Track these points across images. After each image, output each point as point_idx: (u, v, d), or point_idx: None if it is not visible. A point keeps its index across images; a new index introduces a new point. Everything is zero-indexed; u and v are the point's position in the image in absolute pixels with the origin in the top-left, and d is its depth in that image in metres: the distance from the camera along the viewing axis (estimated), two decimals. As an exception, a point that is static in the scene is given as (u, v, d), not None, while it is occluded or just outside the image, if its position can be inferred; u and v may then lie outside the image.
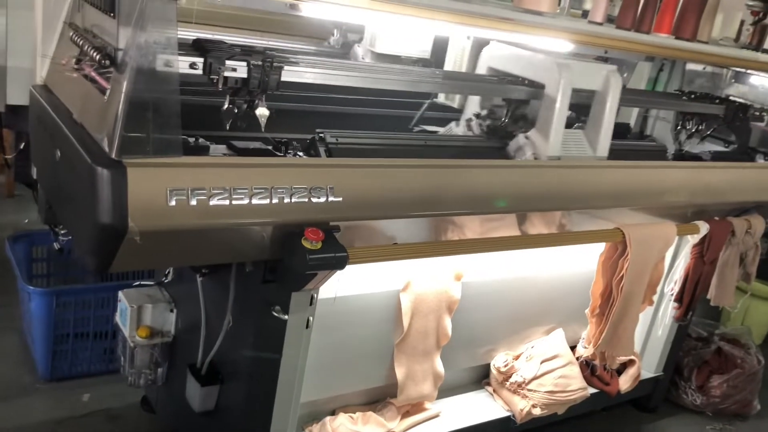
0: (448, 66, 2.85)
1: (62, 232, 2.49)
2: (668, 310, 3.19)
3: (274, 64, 1.85)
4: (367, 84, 2.16)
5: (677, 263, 3.07)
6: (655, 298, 3.05)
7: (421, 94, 2.58)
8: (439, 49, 2.90)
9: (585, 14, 2.93)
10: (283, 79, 1.89)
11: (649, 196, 2.66)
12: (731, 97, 3.37)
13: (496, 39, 2.64)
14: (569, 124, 2.55)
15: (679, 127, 3.31)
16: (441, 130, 2.76)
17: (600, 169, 2.49)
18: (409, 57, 2.75)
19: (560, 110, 2.36)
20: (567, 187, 2.38)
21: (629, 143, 3.14)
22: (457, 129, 2.72)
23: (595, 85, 2.50)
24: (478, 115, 2.63)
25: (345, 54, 2.85)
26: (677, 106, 3.17)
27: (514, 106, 2.56)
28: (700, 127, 3.26)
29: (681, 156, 3.23)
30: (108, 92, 1.69)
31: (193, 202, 1.62)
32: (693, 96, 3.24)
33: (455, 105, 2.83)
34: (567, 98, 2.36)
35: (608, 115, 2.51)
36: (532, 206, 2.37)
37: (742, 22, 3.90)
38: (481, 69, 2.68)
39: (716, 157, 3.18)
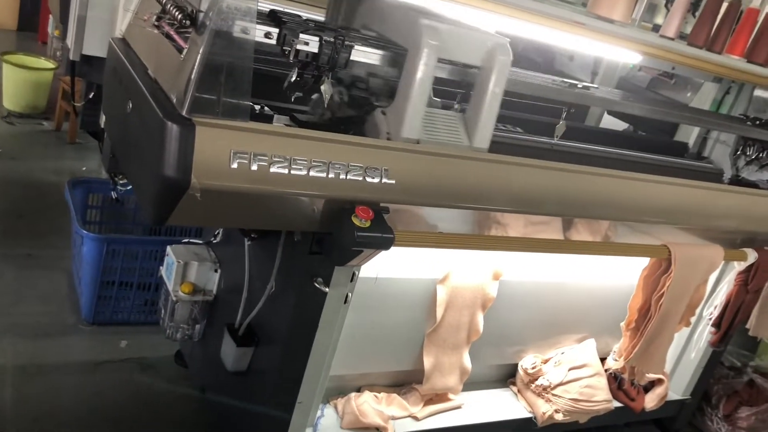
0: None
1: (121, 182, 2.59)
2: (704, 334, 3.15)
3: (346, 42, 1.89)
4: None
5: (720, 288, 3.03)
6: (693, 320, 3.02)
7: None
8: None
9: (655, 28, 2.90)
10: (352, 58, 1.93)
11: (697, 217, 2.63)
12: (797, 128, 3.29)
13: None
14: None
15: (738, 152, 3.26)
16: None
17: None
18: None
19: (421, 83, 1.89)
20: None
21: (683, 162, 3.10)
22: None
23: (476, 60, 1.99)
24: (340, 81, 2.09)
25: None
26: (738, 130, 3.12)
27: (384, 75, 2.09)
28: (761, 155, 3.21)
29: (737, 182, 3.17)
30: (185, 52, 1.75)
31: (254, 167, 1.67)
32: (757, 122, 3.17)
33: None
34: (430, 69, 1.88)
35: (490, 97, 2.00)
36: (575, 212, 2.34)
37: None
38: (357, 24, 2.26)
39: (773, 186, 3.12)
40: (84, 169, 4.73)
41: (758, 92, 3.48)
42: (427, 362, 2.62)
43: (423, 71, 1.89)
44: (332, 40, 1.86)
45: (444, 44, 1.90)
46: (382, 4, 2.15)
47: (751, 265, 2.89)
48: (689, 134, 3.48)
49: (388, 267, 2.37)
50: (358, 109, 2.09)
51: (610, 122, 3.91)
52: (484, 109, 2.03)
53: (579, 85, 2.64)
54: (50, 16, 5.67)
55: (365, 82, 2.10)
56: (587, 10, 2.38)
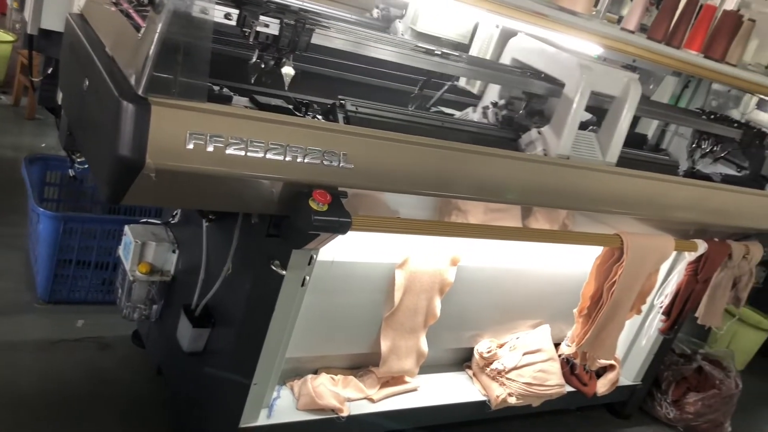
0: (474, 51, 2.87)
1: (79, 159, 2.55)
2: (655, 321, 3.24)
3: (306, 25, 1.88)
4: (390, 58, 2.20)
5: (671, 277, 3.11)
6: (644, 308, 3.11)
7: (444, 76, 2.60)
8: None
9: (621, 20, 2.94)
10: (312, 41, 1.93)
11: (652, 208, 2.69)
12: (751, 123, 3.38)
13: (524, 31, 2.65)
14: (585, 126, 2.59)
15: (694, 145, 3.34)
16: (458, 113, 2.79)
17: (606, 174, 2.49)
18: (449, 40, 2.73)
19: (576, 110, 2.37)
20: (571, 187, 2.42)
21: (642, 154, 3.16)
22: (473, 115, 2.75)
23: (615, 91, 2.51)
24: (495, 104, 2.67)
25: (385, 28, 2.81)
26: (695, 124, 3.19)
27: (532, 100, 2.59)
28: (715, 148, 3.29)
29: (692, 174, 3.25)
30: (142, 30, 1.73)
31: (210, 148, 1.66)
32: (713, 116, 3.25)
33: (475, 91, 2.85)
34: (584, 99, 2.37)
35: (623, 122, 2.51)
36: (534, 200, 2.41)
37: (776, 51, 3.88)
38: (506, 59, 2.71)
39: (726, 180, 3.21)
40: (43, 145, 4.65)
41: (716, 86, 3.57)
42: (384, 345, 2.65)
43: (578, 101, 2.37)
44: (293, 23, 1.86)
45: (594, 79, 2.38)
46: (534, 45, 2.60)
47: (701, 256, 2.97)
48: (649, 126, 3.55)
49: (348, 251, 2.39)
50: (516, 129, 2.53)
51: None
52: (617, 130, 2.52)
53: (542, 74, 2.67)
54: (10, -14, 5.52)
55: (525, 106, 2.58)
56: (550, 0, 2.40)
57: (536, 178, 2.33)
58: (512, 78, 2.55)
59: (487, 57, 2.82)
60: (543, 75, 2.54)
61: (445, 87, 2.70)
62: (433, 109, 2.76)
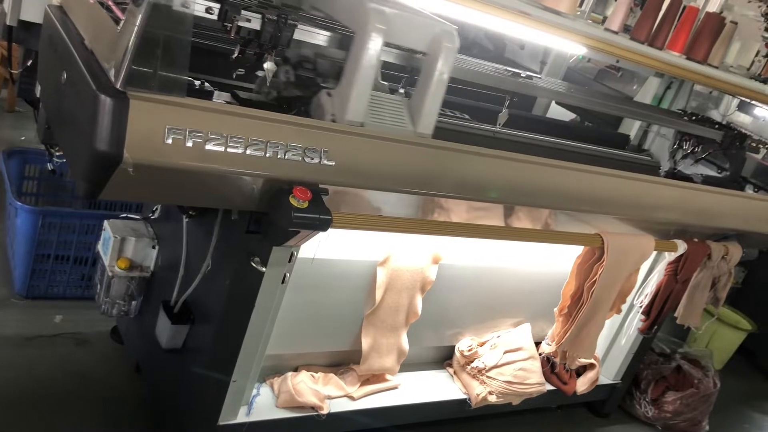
0: None
1: (57, 153, 2.53)
2: (635, 321, 3.25)
3: (289, 21, 1.87)
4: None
5: (651, 277, 3.13)
6: (624, 307, 3.12)
7: None
8: None
9: (605, 20, 2.95)
10: (294, 37, 1.92)
11: (632, 208, 2.70)
12: (732, 125, 3.42)
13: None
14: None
15: (676, 146, 3.36)
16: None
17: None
18: None
19: (366, 66, 1.89)
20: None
21: (624, 154, 3.18)
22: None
23: (423, 45, 2.02)
24: (286, 60, 2.13)
25: None
26: (677, 125, 3.22)
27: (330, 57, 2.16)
28: (696, 149, 3.32)
29: (673, 175, 3.28)
30: (122, 23, 1.71)
31: (189, 143, 1.65)
32: (694, 118, 3.28)
33: None
34: (375, 52, 1.88)
35: (436, 84, 2.01)
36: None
37: (757, 53, 3.93)
38: (306, 5, 2.27)
39: (707, 181, 3.24)
40: (23, 139, 4.59)
41: (698, 88, 3.60)
42: (365, 343, 2.64)
43: (369, 54, 1.88)
44: (275, 18, 1.85)
45: (391, 28, 1.90)
46: None
47: (681, 256, 2.99)
48: (632, 127, 3.58)
49: (330, 248, 2.37)
50: (304, 89, 2.09)
51: (558, 112, 3.99)
52: (429, 95, 2.04)
53: (522, 75, 2.68)
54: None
55: (312, 63, 2.10)
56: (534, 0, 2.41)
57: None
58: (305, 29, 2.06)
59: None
60: (335, 24, 2.13)
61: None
62: None
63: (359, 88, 1.92)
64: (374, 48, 1.88)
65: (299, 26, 1.93)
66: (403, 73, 2.30)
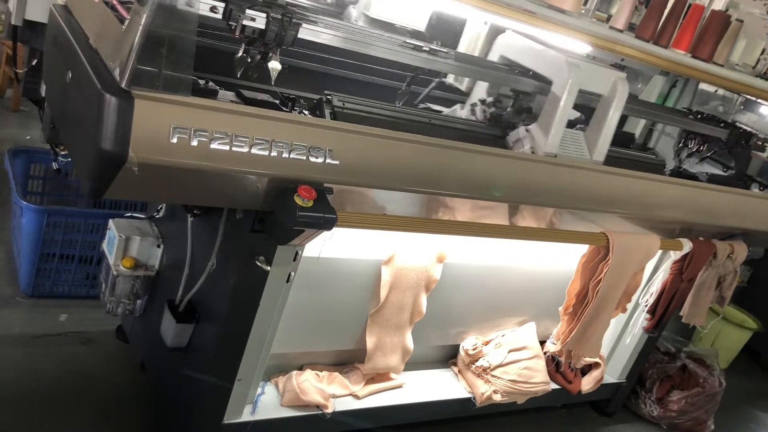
0: (462, 48, 2.86)
1: (63, 152, 2.53)
2: (640, 320, 3.25)
3: (293, 20, 1.87)
4: (378, 54, 2.18)
5: (656, 276, 3.13)
6: (629, 306, 3.12)
7: (432, 72, 2.59)
8: (438, 23, 2.78)
9: (610, 18, 2.94)
10: (300, 36, 1.92)
11: (638, 207, 2.70)
12: (737, 123, 3.40)
13: (512, 29, 2.65)
14: (573, 125, 2.59)
15: (681, 145, 3.35)
16: (445, 110, 2.78)
17: (593, 173, 2.50)
18: (404, 27, 2.60)
19: (563, 108, 2.37)
20: (558, 185, 2.42)
21: (630, 152, 3.17)
22: (461, 112, 2.74)
23: (602, 90, 2.51)
24: (483, 101, 2.66)
25: (339, 14, 2.68)
26: (682, 124, 3.20)
27: (519, 97, 2.59)
28: (701, 148, 3.31)
29: (678, 173, 3.27)
30: (127, 23, 1.71)
31: (194, 143, 1.65)
32: (699, 116, 3.27)
33: (463, 88, 2.84)
34: (572, 97, 2.37)
35: (610, 121, 2.51)
36: (521, 198, 2.41)
37: (763, 51, 3.91)
38: (494, 56, 2.70)
39: (712, 179, 3.23)
40: (28, 138, 4.60)
41: (703, 86, 3.58)
42: (370, 342, 2.64)
43: (565, 99, 2.36)
44: (279, 17, 1.85)
45: (582, 77, 2.37)
46: (522, 43, 2.60)
47: (686, 255, 2.98)
48: (637, 125, 3.56)
49: (334, 247, 2.37)
50: (504, 126, 2.52)
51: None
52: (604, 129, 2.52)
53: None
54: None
55: (513, 104, 2.57)
56: (539, -2, 2.41)
57: (523, 176, 2.33)
58: (500, 75, 2.55)
59: (476, 53, 2.82)
60: (531, 72, 2.53)
61: (433, 83, 2.70)
62: (421, 105, 2.75)
63: (557, 126, 2.38)
64: (571, 93, 2.36)
65: (304, 25, 1.92)
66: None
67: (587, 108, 2.63)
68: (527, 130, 2.43)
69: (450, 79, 2.82)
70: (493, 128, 2.55)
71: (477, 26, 2.84)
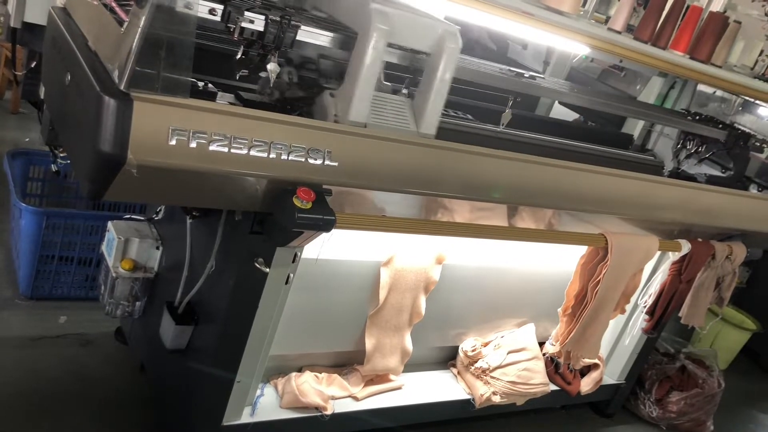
0: None
1: (62, 154, 2.53)
2: (639, 321, 3.25)
3: (292, 22, 1.87)
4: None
5: (655, 277, 3.13)
6: (628, 307, 3.12)
7: None
8: None
9: (609, 20, 2.95)
10: (298, 38, 1.92)
11: (636, 208, 2.69)
12: (736, 125, 3.41)
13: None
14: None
15: (679, 146, 3.36)
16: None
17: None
18: None
19: (369, 66, 1.89)
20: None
21: (626, 153, 3.17)
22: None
23: (425, 46, 2.01)
24: (289, 62, 2.11)
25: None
26: (680, 125, 3.21)
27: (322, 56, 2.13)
28: (700, 149, 3.31)
29: (676, 174, 3.27)
30: (125, 25, 1.71)
31: (193, 144, 1.65)
32: (697, 117, 3.27)
33: None
34: (378, 53, 1.89)
35: (439, 84, 2.01)
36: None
37: (761, 52, 3.91)
38: (308, 5, 2.26)
39: (711, 180, 3.23)
40: (27, 140, 4.60)
41: (701, 87, 3.59)
42: (369, 343, 2.64)
43: (372, 55, 1.89)
44: (278, 19, 1.85)
45: (394, 29, 1.90)
46: None
47: (685, 256, 2.99)
48: (635, 126, 3.57)
49: (333, 248, 2.37)
50: (307, 90, 2.08)
51: (561, 112, 3.98)
52: (431, 95, 2.04)
53: (526, 75, 2.68)
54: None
55: (315, 64, 2.10)
56: (537, 0, 2.40)
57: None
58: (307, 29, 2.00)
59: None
60: (339, 25, 2.07)
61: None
62: None
63: (362, 89, 1.92)
64: (377, 48, 1.88)
65: (302, 27, 1.92)
66: (406, 74, 2.30)
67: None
68: (332, 95, 1.99)
69: None
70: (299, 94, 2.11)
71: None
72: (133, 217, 2.71)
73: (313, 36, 1.99)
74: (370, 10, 1.88)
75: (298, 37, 1.91)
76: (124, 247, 2.54)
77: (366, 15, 1.89)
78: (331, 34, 2.03)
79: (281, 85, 2.08)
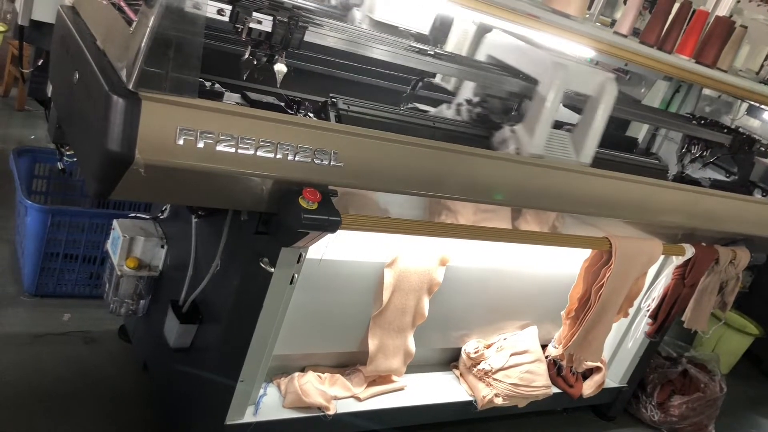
0: (449, 47, 2.79)
1: (68, 152, 2.54)
2: (642, 325, 3.25)
3: (300, 23, 1.88)
4: (384, 57, 2.19)
5: (658, 281, 3.13)
6: (631, 311, 3.12)
7: (425, 73, 2.53)
8: (441, 25, 2.81)
9: (614, 23, 2.95)
10: (306, 39, 1.93)
11: (640, 211, 2.70)
12: (740, 129, 3.41)
13: (500, 28, 2.60)
14: (561, 126, 2.53)
15: (684, 150, 3.35)
16: (432, 110, 2.71)
17: (579, 175, 2.43)
18: (408, 30, 2.61)
19: (549, 109, 2.31)
20: (544, 187, 2.38)
21: (632, 157, 3.17)
22: (447, 111, 2.67)
23: (590, 90, 2.43)
24: (469, 101, 2.60)
25: (343, 16, 2.70)
26: (685, 129, 3.21)
27: (506, 97, 2.55)
28: (704, 153, 3.31)
29: (681, 178, 3.27)
30: (134, 25, 1.72)
31: (200, 144, 1.66)
32: (702, 122, 3.27)
33: (449, 87, 2.78)
34: (558, 98, 2.31)
35: (598, 121, 2.44)
36: (514, 201, 2.40)
37: (767, 57, 3.91)
38: (481, 55, 2.65)
39: (715, 185, 3.23)
40: (32, 137, 4.61)
41: (706, 91, 3.59)
42: (372, 344, 2.65)
43: (551, 99, 2.30)
44: (286, 20, 1.85)
45: (569, 78, 2.32)
46: (509, 42, 2.55)
47: (689, 260, 2.99)
48: (640, 130, 3.57)
49: (338, 249, 2.38)
50: (490, 126, 2.46)
51: (565, 114, 3.98)
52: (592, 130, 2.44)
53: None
54: (1, -24, 5.46)
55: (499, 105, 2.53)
56: (542, 2, 2.41)
57: (512, 177, 2.30)
58: (485, 75, 2.49)
59: (463, 53, 2.76)
60: (518, 73, 2.48)
61: (419, 83, 2.62)
62: (408, 105, 2.68)
63: (542, 126, 2.31)
64: (556, 94, 2.30)
65: (310, 28, 1.93)
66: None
67: (579, 110, 2.58)
68: (512, 131, 2.38)
69: (438, 79, 2.76)
70: (478, 129, 2.49)
71: (464, 24, 2.78)
72: (138, 215, 2.72)
73: (320, 37, 2.01)
74: (552, 63, 2.33)
75: (306, 38, 1.91)
76: (129, 246, 2.54)
77: (548, 67, 2.32)
78: (344, 37, 2.07)
79: (472, 116, 2.53)
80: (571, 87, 2.36)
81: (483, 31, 2.70)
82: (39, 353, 2.82)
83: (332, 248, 2.30)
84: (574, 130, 2.49)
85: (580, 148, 2.43)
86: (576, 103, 2.50)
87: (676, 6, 2.69)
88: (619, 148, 3.20)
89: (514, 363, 3.00)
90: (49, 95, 2.45)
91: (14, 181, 3.20)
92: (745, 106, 3.77)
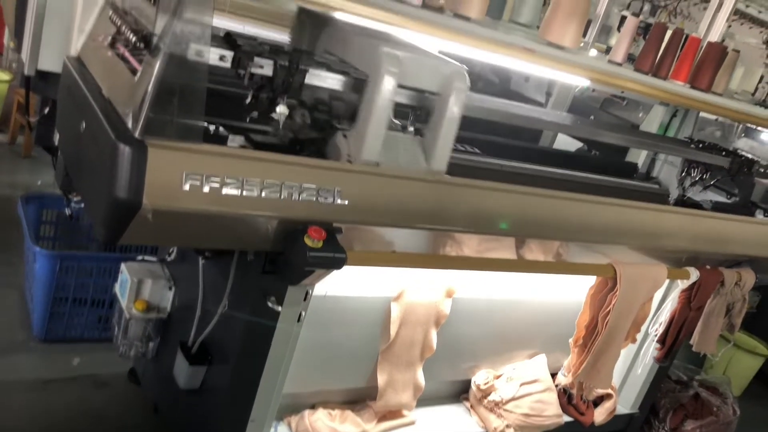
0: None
1: (75, 199, 2.57)
2: (650, 350, 3.24)
3: (300, 66, 1.92)
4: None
5: (665, 305, 3.13)
6: (639, 336, 3.11)
7: None
8: None
9: (609, 50, 2.99)
10: (306, 81, 1.97)
11: (642, 237, 2.70)
12: (739, 151, 3.44)
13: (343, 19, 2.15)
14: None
15: (684, 174, 3.38)
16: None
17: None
18: None
19: (380, 108, 1.97)
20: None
21: (631, 182, 3.20)
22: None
23: (435, 86, 2.08)
24: (302, 103, 2.09)
25: None
26: (684, 153, 3.24)
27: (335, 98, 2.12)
28: (704, 176, 3.33)
29: (682, 202, 3.29)
30: (139, 73, 1.76)
31: (206, 189, 1.69)
32: (701, 145, 3.30)
33: None
34: (389, 94, 1.96)
35: (448, 123, 2.07)
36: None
37: (761, 78, 3.95)
38: (320, 48, 2.31)
39: (717, 207, 3.25)
40: (39, 183, 4.66)
41: (703, 115, 3.62)
42: (381, 379, 2.65)
43: (382, 96, 1.97)
44: (286, 64, 1.90)
45: (404, 71, 1.98)
46: (345, 30, 2.20)
47: (694, 284, 2.99)
48: (639, 155, 3.60)
49: (344, 285, 2.40)
50: (320, 131, 2.12)
51: (565, 141, 4.02)
52: (441, 133, 2.10)
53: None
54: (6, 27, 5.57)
55: (327, 105, 2.13)
56: (538, 36, 2.46)
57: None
58: (314, 72, 2.02)
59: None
60: (353, 68, 2.09)
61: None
62: None
63: (374, 129, 1.99)
64: (388, 90, 1.96)
65: (310, 71, 1.97)
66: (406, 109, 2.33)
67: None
68: (345, 136, 2.04)
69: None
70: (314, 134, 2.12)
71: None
72: (145, 258, 2.74)
73: (322, 79, 2.04)
74: (380, 53, 1.95)
75: (309, 81, 1.95)
76: (138, 288, 2.56)
77: (376, 58, 1.96)
78: (342, 77, 2.07)
79: (294, 127, 2.09)
80: (409, 82, 2.03)
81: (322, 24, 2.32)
82: (49, 398, 2.83)
83: (339, 284, 2.31)
84: (424, 134, 2.14)
85: (431, 153, 2.11)
86: (428, 103, 2.11)
87: (669, 33, 2.74)
88: (619, 174, 3.23)
89: (524, 393, 2.99)
90: (56, 143, 2.49)
91: (22, 227, 3.23)
92: (742, 127, 3.80)
